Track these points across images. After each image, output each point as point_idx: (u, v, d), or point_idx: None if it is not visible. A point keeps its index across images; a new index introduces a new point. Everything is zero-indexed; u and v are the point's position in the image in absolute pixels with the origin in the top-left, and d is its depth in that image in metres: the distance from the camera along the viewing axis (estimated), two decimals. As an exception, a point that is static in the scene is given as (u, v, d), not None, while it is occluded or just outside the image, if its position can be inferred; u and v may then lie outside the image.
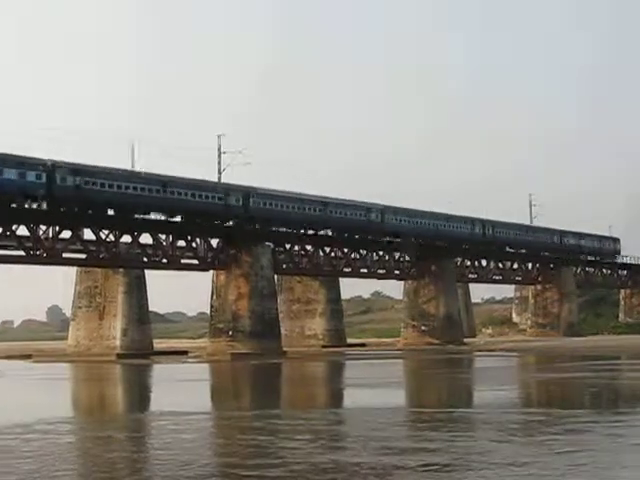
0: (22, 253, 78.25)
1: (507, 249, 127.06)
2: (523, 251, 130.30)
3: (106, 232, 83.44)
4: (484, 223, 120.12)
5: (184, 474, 20.85)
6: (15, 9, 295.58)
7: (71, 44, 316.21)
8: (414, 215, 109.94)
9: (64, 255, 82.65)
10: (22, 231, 76.99)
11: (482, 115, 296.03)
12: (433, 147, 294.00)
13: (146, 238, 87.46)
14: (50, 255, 78.74)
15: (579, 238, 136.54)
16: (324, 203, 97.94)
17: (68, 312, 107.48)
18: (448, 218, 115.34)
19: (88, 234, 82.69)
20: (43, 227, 78.23)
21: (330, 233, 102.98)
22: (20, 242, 77.39)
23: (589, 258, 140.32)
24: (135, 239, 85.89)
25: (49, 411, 36.63)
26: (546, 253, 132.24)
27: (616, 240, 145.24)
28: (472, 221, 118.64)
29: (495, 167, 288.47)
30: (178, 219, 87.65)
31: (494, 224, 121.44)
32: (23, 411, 37.42)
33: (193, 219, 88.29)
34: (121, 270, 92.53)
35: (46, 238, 78.49)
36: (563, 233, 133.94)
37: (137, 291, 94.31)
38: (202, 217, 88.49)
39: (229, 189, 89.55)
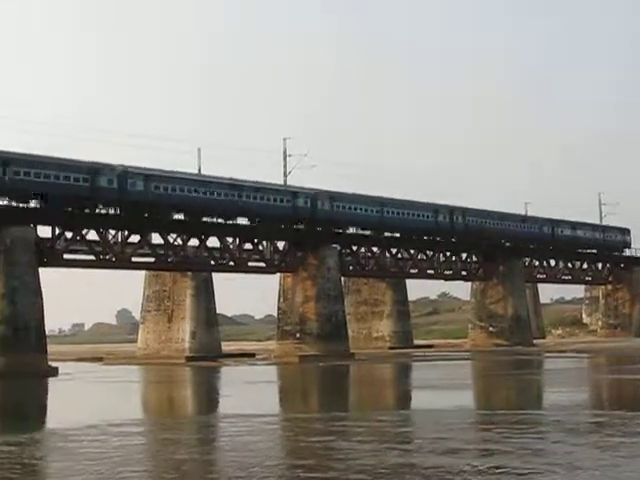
0: (92, 257, 79.35)
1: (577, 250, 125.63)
2: (593, 251, 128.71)
3: (174, 236, 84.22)
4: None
5: (252, 476, 20.92)
6: (89, 18, 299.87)
7: (137, 47, 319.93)
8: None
9: (133, 259, 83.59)
10: (92, 236, 78.03)
11: (550, 116, 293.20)
12: (501, 147, 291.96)
13: (213, 241, 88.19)
14: (119, 259, 79.69)
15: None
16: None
17: (137, 315, 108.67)
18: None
19: (156, 238, 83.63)
20: (112, 232, 79.20)
21: (397, 235, 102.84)
22: (90, 247, 78.46)
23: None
24: (202, 242, 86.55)
25: (119, 413, 37.08)
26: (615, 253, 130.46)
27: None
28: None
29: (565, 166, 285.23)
30: (245, 222, 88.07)
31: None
32: (94, 413, 37.93)
33: (261, 222, 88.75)
34: (189, 273, 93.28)
35: (115, 242, 79.47)
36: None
37: (205, 294, 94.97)
38: (270, 220, 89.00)
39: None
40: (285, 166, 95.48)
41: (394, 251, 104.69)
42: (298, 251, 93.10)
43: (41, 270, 72.31)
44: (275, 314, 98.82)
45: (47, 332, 75.66)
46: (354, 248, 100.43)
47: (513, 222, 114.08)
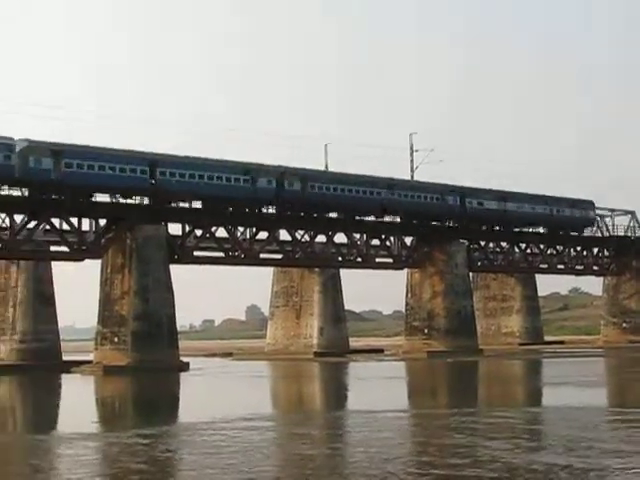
0: (221, 254, 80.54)
1: None
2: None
3: (301, 232, 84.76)
4: None
5: (381, 472, 20.79)
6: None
7: (269, 49, 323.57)
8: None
9: (261, 256, 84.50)
10: (221, 233, 79.14)
11: None
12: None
13: (340, 237, 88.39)
14: (248, 256, 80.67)
15: None
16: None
17: (266, 311, 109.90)
18: None
19: (284, 235, 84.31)
20: (241, 229, 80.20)
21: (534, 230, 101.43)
22: (220, 244, 79.62)
23: None
24: (330, 239, 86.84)
25: (249, 408, 37.47)
26: None
27: None
28: None
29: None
30: (372, 218, 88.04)
31: None
32: (224, 407, 38.47)
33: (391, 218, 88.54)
34: (316, 270, 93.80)
35: (244, 239, 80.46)
36: None
37: (332, 290, 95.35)
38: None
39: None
40: (412, 161, 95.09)
41: (523, 246, 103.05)
42: (425, 246, 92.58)
43: (172, 267, 73.81)
44: (403, 310, 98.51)
45: (178, 328, 77.24)
46: (482, 243, 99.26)
47: None
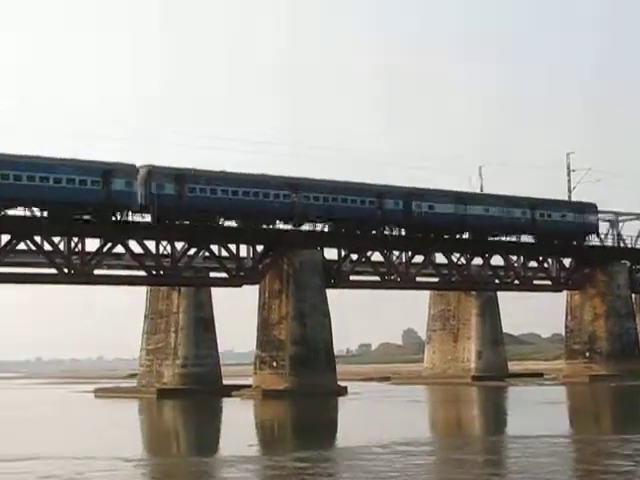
0: (377, 278, 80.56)
1: None
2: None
3: (457, 255, 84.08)
4: None
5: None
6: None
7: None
8: None
9: (417, 279, 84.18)
10: (376, 257, 79.18)
11: None
12: None
13: (497, 260, 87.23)
14: (404, 279, 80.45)
15: None
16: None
17: (423, 335, 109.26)
18: None
19: (440, 258, 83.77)
20: (396, 252, 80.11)
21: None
22: (375, 267, 79.68)
23: None
24: (486, 261, 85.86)
25: (407, 432, 37.31)
26: None
27: None
28: None
29: None
30: (530, 240, 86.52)
31: None
32: (382, 431, 38.38)
33: (549, 240, 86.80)
34: (473, 293, 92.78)
35: (400, 263, 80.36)
36: None
37: (490, 313, 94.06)
38: (558, 237, 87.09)
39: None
40: (569, 181, 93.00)
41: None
42: (585, 268, 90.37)
43: (328, 290, 74.34)
44: (562, 332, 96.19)
45: (335, 352, 77.57)
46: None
47: None
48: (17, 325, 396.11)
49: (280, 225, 72.77)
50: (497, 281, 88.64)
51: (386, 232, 77.66)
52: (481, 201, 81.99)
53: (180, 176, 66.75)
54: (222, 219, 70.99)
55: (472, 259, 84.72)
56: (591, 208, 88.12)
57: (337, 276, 75.89)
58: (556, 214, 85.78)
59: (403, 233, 79.12)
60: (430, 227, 79.13)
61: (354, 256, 77.51)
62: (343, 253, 76.79)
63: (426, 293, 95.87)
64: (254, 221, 71.27)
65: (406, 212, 76.48)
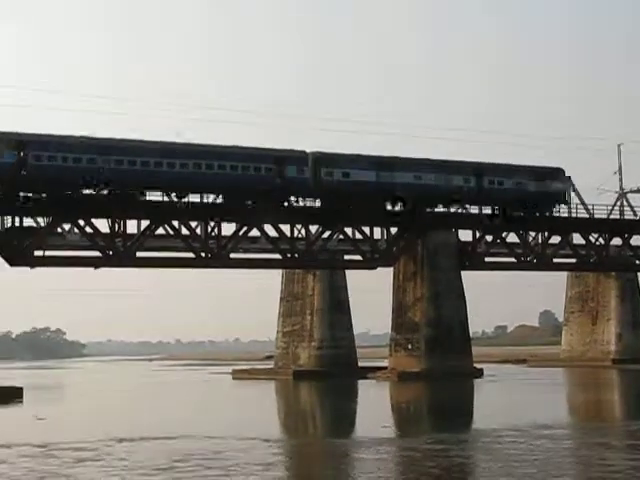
0: (513, 260, 79.28)
1: None
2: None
3: (595, 235, 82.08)
4: None
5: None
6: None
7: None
8: None
9: (554, 260, 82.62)
10: (512, 238, 77.97)
11: None
12: None
13: (636, 239, 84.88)
14: (540, 261, 79.02)
15: None
16: None
17: (560, 317, 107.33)
18: None
19: (577, 238, 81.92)
20: (532, 233, 78.61)
21: None
22: (511, 249, 78.44)
23: None
24: (626, 241, 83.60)
25: (544, 415, 36.73)
26: None
27: None
28: None
29: None
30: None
31: None
32: (519, 415, 37.92)
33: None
34: (613, 274, 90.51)
35: (536, 244, 78.92)
36: None
37: (631, 295, 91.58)
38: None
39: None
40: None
41: None
42: None
43: (463, 272, 73.76)
44: None
45: (471, 334, 76.97)
46: None
47: None
48: (157, 309, 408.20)
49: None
50: (638, 262, 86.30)
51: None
52: (410, 167, 70.89)
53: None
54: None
55: (611, 239, 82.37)
56: (558, 174, 76.42)
57: (472, 258, 75.18)
58: (510, 181, 74.64)
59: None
60: (343, 197, 68.94)
61: (489, 237, 76.52)
62: (478, 234, 75.90)
63: (564, 274, 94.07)
64: None
65: (315, 180, 67.27)
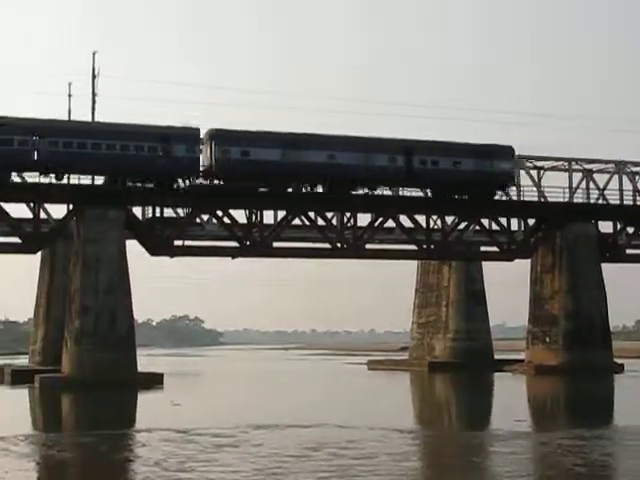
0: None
1: None
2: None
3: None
4: None
5: None
6: None
7: None
8: None
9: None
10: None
11: None
12: None
13: None
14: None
15: None
16: None
17: None
18: None
19: None
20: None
21: None
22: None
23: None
24: None
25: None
26: None
27: None
28: None
29: None
30: None
31: None
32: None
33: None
34: None
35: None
36: None
37: None
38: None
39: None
40: None
41: None
42: None
43: (604, 265, 72.06)
44: None
45: (611, 328, 75.16)
46: None
47: None
48: (296, 299, 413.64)
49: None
50: None
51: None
52: (323, 145, 64.00)
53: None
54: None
55: None
56: (504, 153, 68.09)
57: (612, 250, 73.36)
58: (446, 161, 66.52)
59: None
60: (245, 177, 62.63)
61: (630, 229, 74.54)
62: (619, 226, 74.01)
63: None
64: None
65: (211, 160, 61.35)
